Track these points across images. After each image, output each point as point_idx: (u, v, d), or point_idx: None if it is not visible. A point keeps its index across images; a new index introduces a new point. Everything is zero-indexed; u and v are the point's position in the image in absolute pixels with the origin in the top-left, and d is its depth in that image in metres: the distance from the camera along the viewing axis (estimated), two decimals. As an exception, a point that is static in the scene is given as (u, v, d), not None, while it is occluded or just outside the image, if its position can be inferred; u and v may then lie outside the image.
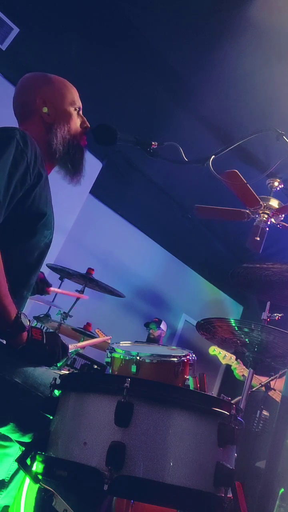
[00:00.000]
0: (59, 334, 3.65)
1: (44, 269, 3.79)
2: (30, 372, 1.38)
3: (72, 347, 1.53)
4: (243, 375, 3.51)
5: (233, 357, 3.58)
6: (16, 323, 1.30)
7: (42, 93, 1.61)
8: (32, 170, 1.40)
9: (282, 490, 2.39)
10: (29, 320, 1.37)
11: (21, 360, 1.38)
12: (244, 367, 3.54)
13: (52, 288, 2.05)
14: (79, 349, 1.74)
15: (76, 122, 1.66)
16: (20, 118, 1.66)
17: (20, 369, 1.37)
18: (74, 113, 1.65)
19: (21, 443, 1.41)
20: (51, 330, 3.75)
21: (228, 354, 3.59)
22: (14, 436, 1.39)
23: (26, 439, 1.37)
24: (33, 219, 1.46)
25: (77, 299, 3.76)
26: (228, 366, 3.72)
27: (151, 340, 5.63)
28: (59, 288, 4.21)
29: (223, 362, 3.64)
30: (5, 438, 1.51)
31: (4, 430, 1.38)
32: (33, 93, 1.62)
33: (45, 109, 1.59)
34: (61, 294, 4.24)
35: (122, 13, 3.46)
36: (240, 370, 3.52)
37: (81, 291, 3.75)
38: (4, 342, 1.37)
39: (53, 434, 1.19)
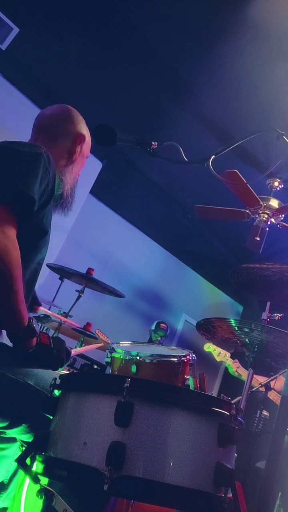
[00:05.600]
0: (60, 334, 3.66)
1: (44, 269, 3.79)
2: (41, 374, 1.42)
3: (73, 352, 1.56)
4: (237, 372, 3.51)
5: (228, 354, 3.58)
6: (29, 329, 1.34)
7: (80, 134, 1.74)
8: (49, 188, 1.46)
9: (280, 494, 2.39)
10: (39, 325, 1.39)
11: (29, 364, 1.41)
12: (239, 364, 3.55)
13: (42, 308, 2.08)
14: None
15: (79, 171, 1.82)
16: (45, 135, 1.71)
17: (31, 371, 1.41)
18: (84, 163, 1.82)
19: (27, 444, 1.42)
20: (51, 330, 3.76)
21: (223, 351, 3.59)
22: (25, 437, 1.41)
23: None
24: (38, 235, 1.51)
25: (77, 299, 3.77)
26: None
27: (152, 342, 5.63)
28: (59, 288, 4.22)
29: (218, 359, 3.64)
30: (2, 440, 1.52)
31: (15, 432, 1.39)
32: (74, 128, 1.74)
33: (78, 149, 1.73)
34: (61, 294, 4.25)
35: (122, 13, 3.46)
36: (235, 368, 3.53)
37: (81, 291, 3.75)
38: (12, 345, 1.39)
39: (53, 434, 1.19)
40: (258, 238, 4.14)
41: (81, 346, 3.61)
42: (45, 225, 1.52)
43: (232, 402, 1.22)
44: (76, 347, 3.15)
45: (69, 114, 1.76)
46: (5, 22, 3.84)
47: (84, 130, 1.77)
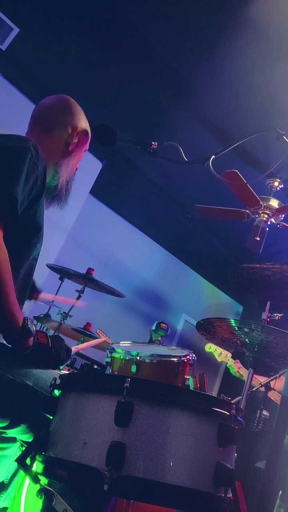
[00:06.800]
0: (59, 334, 3.65)
1: (44, 269, 3.80)
2: (40, 374, 1.41)
3: (74, 349, 1.54)
4: (238, 372, 3.52)
5: (229, 354, 3.58)
6: (23, 330, 1.32)
7: (78, 126, 1.70)
8: (39, 183, 1.43)
9: (281, 492, 2.39)
10: (35, 325, 1.38)
11: (28, 364, 1.40)
12: (241, 365, 3.55)
13: (43, 294, 2.05)
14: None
15: (77, 164, 1.77)
16: (42, 125, 1.68)
17: (29, 371, 1.40)
18: (82, 156, 1.78)
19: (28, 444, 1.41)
20: (51, 331, 3.75)
21: (224, 352, 3.59)
22: (24, 437, 1.41)
23: None
24: (31, 232, 1.48)
25: (77, 299, 3.76)
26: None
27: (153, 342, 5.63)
28: (59, 288, 4.22)
29: (219, 359, 3.64)
30: (3, 440, 1.52)
31: (15, 432, 1.39)
32: (71, 119, 1.70)
33: (75, 140, 1.69)
34: (61, 295, 4.25)
35: (122, 13, 3.46)
36: (236, 368, 3.53)
37: (81, 291, 3.75)
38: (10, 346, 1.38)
39: (53, 434, 1.19)
40: (258, 238, 4.15)
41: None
42: (38, 221, 1.49)
43: (232, 402, 1.22)
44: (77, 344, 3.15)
45: (67, 105, 1.72)
46: (5, 22, 3.84)
47: (83, 122, 1.73)
